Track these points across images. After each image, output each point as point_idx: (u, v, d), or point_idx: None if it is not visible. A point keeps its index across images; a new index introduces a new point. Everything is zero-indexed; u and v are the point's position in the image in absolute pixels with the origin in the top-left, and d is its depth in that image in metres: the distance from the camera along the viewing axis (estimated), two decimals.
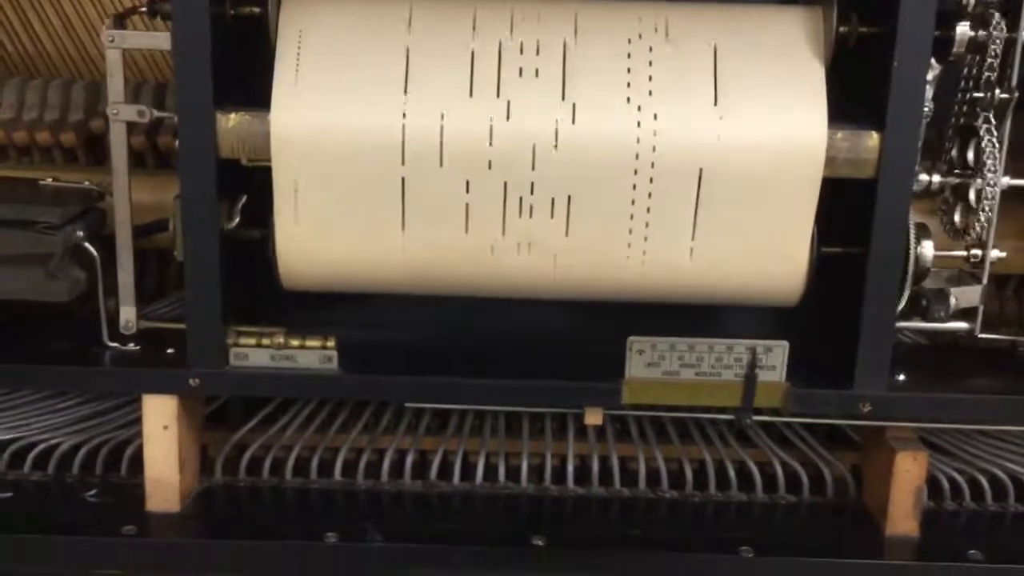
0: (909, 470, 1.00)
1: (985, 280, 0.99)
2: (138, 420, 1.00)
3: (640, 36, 0.93)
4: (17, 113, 1.13)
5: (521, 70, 0.92)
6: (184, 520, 1.00)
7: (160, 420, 0.98)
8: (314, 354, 0.97)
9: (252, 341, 0.97)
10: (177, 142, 0.91)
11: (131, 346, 1.00)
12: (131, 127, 0.97)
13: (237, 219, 0.95)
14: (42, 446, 1.06)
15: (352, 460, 1.07)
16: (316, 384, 0.98)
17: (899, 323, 0.98)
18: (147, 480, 1.00)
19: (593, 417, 1.02)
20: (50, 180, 1.02)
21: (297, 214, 0.93)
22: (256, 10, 0.92)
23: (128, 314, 0.98)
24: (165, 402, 0.97)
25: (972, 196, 0.96)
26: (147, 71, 1.17)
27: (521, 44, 0.92)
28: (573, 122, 0.91)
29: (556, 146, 0.91)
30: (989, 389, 1.02)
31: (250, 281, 0.99)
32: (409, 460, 1.07)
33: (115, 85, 0.92)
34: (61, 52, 1.19)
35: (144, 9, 0.95)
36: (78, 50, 1.19)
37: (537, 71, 0.91)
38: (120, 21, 0.95)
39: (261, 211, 0.95)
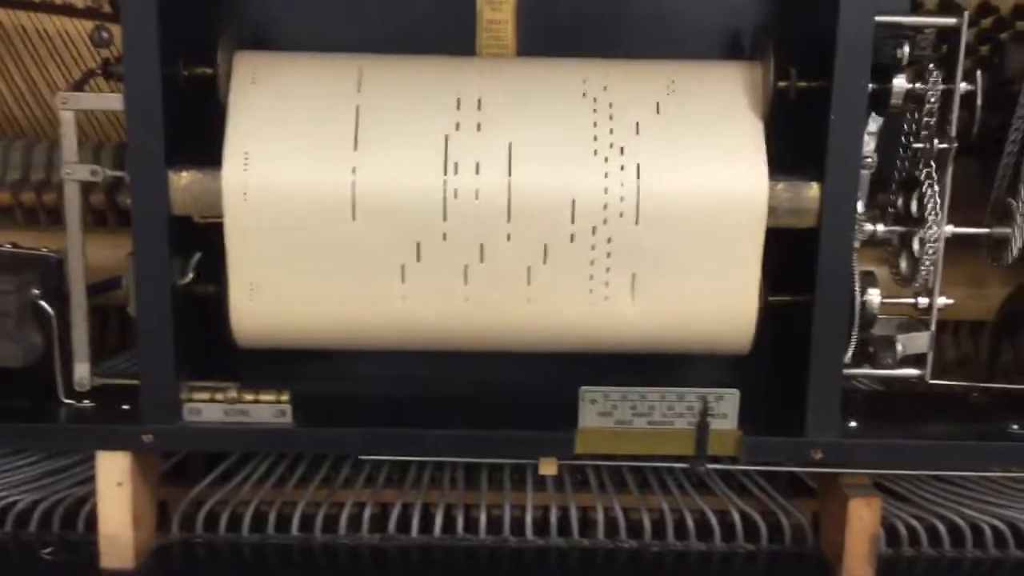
0: (863, 517, 1.00)
1: (933, 327, 1.00)
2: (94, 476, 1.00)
3: (584, 94, 0.95)
4: None
5: (471, 127, 0.93)
6: None
7: (114, 477, 0.98)
8: (268, 408, 0.98)
9: (205, 396, 0.97)
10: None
11: (86, 403, 1.00)
12: (91, 186, 0.98)
13: (191, 275, 0.96)
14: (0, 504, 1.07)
15: (310, 514, 1.07)
16: (270, 439, 0.99)
17: (848, 370, 0.98)
18: (101, 537, 0.99)
19: (547, 467, 1.02)
20: (8, 246, 1.03)
21: (249, 273, 0.94)
22: (208, 71, 0.95)
23: (82, 371, 0.99)
24: (118, 459, 0.98)
25: (917, 245, 0.98)
26: (111, 131, 1.19)
27: (473, 101, 0.94)
28: (521, 179, 0.92)
29: (506, 203, 0.92)
30: (942, 435, 1.02)
31: (204, 335, 1.00)
32: (367, 513, 1.07)
33: (69, 146, 0.94)
34: (27, 115, 1.22)
35: (100, 72, 0.97)
36: (43, 112, 1.21)
37: (480, 127, 0.93)
38: (80, 86, 0.97)
39: (216, 266, 0.96)
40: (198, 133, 0.96)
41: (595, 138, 0.93)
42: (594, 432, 0.98)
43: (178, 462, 1.10)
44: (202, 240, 0.97)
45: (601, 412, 0.98)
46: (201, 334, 1.00)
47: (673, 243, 0.94)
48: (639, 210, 0.93)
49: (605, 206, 0.92)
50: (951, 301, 1.00)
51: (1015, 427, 1.01)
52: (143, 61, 0.90)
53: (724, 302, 0.96)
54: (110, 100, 0.93)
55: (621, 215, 0.93)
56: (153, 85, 0.90)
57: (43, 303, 0.98)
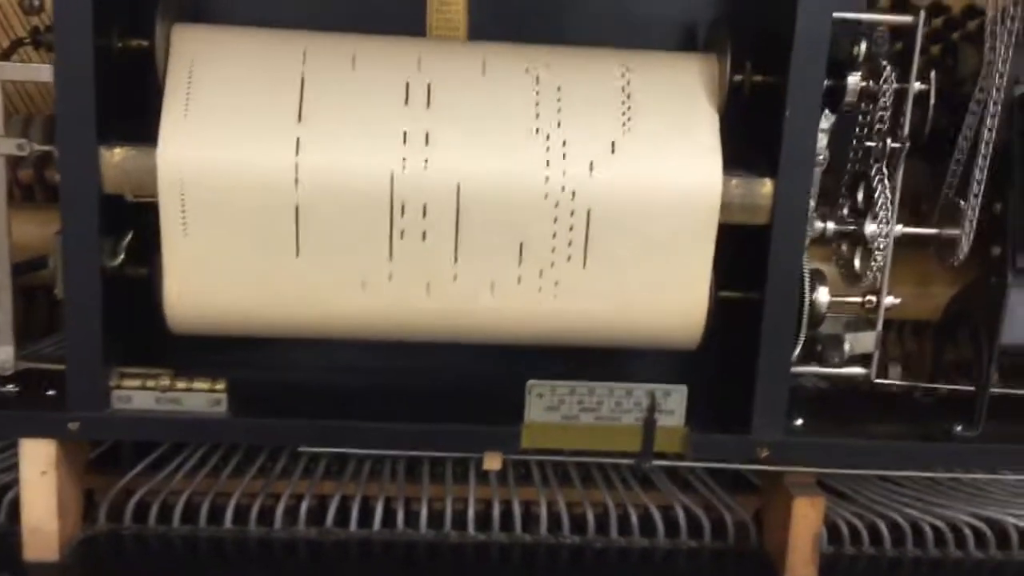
0: (807, 515, 0.99)
1: (880, 326, 0.99)
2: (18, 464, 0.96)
3: (534, 80, 0.92)
4: None
5: (420, 113, 0.91)
6: (63, 571, 0.96)
7: (38, 465, 0.94)
8: (202, 397, 0.94)
9: (136, 383, 0.93)
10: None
11: (9, 388, 0.96)
12: (19, 160, 0.94)
13: (121, 256, 0.92)
14: None
15: (245, 506, 1.04)
16: (204, 428, 0.95)
17: (796, 368, 0.98)
18: (24, 528, 0.95)
19: (492, 462, 1.00)
20: None
21: (183, 254, 0.90)
22: (144, 43, 0.90)
23: (5, 354, 0.94)
24: (43, 446, 0.94)
25: (866, 243, 0.97)
26: (41, 103, 1.13)
27: (424, 83, 0.91)
28: (471, 160, 0.90)
29: (456, 186, 0.90)
30: (887, 434, 1.03)
31: (136, 319, 0.96)
32: (304, 506, 1.04)
33: None
34: None
35: (29, 41, 0.92)
36: None
37: (428, 112, 0.90)
38: (8, 55, 0.92)
39: (149, 247, 0.92)
40: (133, 109, 0.92)
41: (543, 127, 0.91)
42: (540, 427, 0.96)
43: (106, 449, 1.06)
44: (134, 220, 0.93)
45: (548, 407, 0.96)
46: (132, 318, 0.96)
47: (624, 236, 0.92)
48: (590, 202, 0.91)
49: (556, 199, 0.90)
50: (898, 300, 1.00)
51: (959, 428, 1.01)
52: (74, 31, 0.85)
53: (674, 297, 0.95)
54: (39, 71, 0.88)
55: (571, 207, 0.91)
56: (85, 56, 0.86)
57: None
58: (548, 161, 0.90)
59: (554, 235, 0.91)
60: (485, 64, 0.93)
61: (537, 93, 0.92)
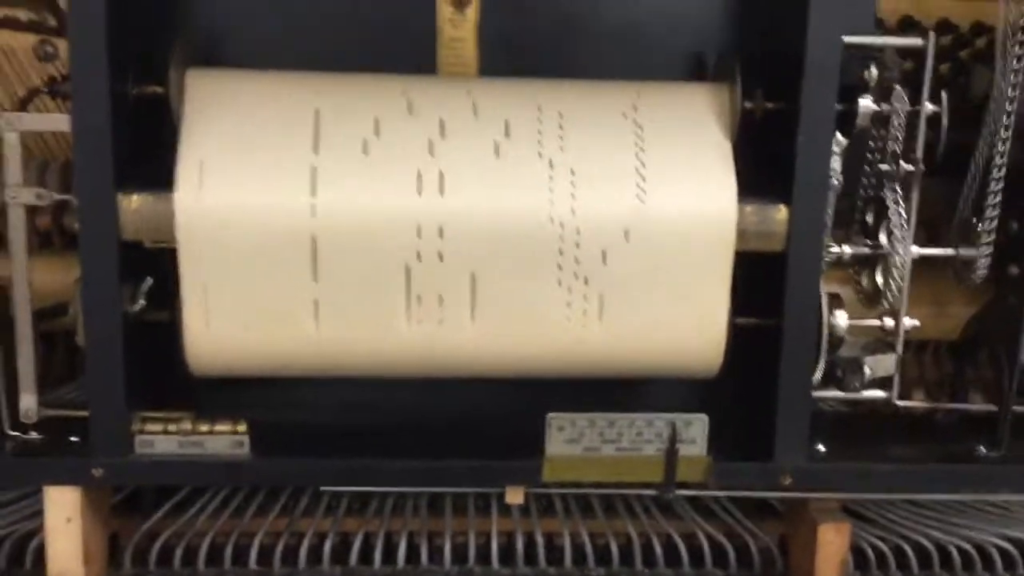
0: (832, 541, 0.99)
1: (900, 349, 0.99)
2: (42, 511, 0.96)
3: (548, 115, 0.93)
4: None
5: (434, 151, 0.91)
6: None
7: (63, 512, 0.94)
8: (224, 439, 0.94)
9: (158, 428, 0.94)
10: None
11: (33, 435, 0.96)
12: (36, 207, 0.94)
13: (142, 302, 0.92)
14: None
15: (269, 545, 1.03)
16: (226, 471, 0.95)
17: (816, 393, 0.97)
18: (50, 575, 0.95)
19: (514, 496, 1.00)
20: None
21: (205, 298, 0.90)
22: (159, 89, 0.91)
23: (29, 402, 0.94)
24: (68, 493, 0.94)
25: (883, 266, 0.97)
26: (56, 149, 1.14)
27: (435, 124, 0.92)
28: (487, 202, 0.90)
29: (472, 223, 0.90)
30: (909, 457, 1.02)
31: (156, 362, 0.96)
32: (328, 544, 1.04)
33: (12, 168, 0.90)
34: None
35: (46, 91, 0.93)
36: None
37: (442, 151, 0.91)
38: (24, 104, 0.93)
39: (168, 291, 0.93)
40: (147, 153, 0.93)
41: (555, 163, 0.91)
42: (562, 459, 0.96)
43: (129, 493, 1.07)
44: (153, 264, 0.94)
45: (569, 439, 0.96)
46: (152, 361, 0.96)
47: (642, 266, 0.92)
48: (605, 235, 0.91)
49: (571, 234, 0.91)
50: (917, 323, 0.99)
51: (982, 449, 1.00)
52: (91, 80, 0.86)
53: (692, 325, 0.95)
54: (57, 121, 0.89)
55: (589, 238, 0.91)
56: (101, 105, 0.87)
57: None
58: (561, 196, 0.91)
59: (572, 269, 0.91)
60: (494, 101, 0.93)
61: (546, 129, 0.92)
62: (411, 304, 0.91)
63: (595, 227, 0.91)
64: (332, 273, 0.90)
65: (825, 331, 0.96)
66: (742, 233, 0.92)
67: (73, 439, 0.96)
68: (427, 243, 0.90)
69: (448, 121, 0.92)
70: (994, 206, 0.98)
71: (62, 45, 0.95)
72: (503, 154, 0.91)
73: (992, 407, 1.02)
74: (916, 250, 0.97)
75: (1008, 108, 0.97)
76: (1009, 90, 0.96)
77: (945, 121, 0.97)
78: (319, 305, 0.91)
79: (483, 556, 1.05)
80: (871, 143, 0.97)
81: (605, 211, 0.91)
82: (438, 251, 0.90)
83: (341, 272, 0.90)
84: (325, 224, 0.89)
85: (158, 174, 0.90)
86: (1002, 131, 0.97)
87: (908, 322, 0.99)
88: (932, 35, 0.94)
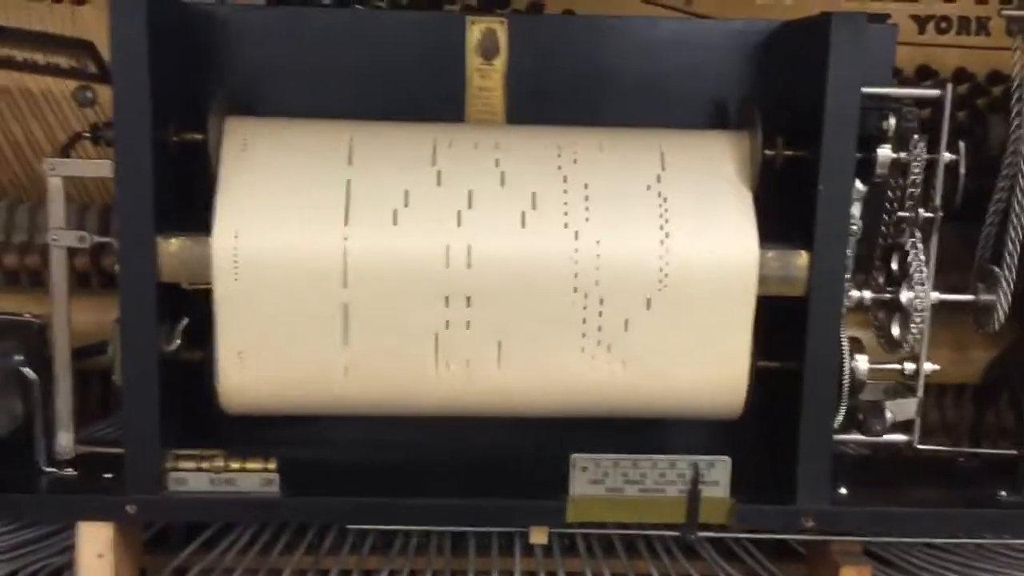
0: None
1: (920, 393, 1.00)
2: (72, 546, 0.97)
3: (575, 162, 0.95)
4: None
5: (466, 194, 0.94)
6: None
7: (95, 548, 0.96)
8: (255, 477, 0.96)
9: (191, 465, 0.95)
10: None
11: (68, 471, 0.98)
12: (76, 249, 0.97)
13: (178, 342, 0.95)
14: None
15: None
16: (257, 508, 0.97)
17: (838, 436, 0.99)
18: None
19: (539, 536, 1.01)
20: None
21: (238, 339, 0.93)
22: (199, 136, 0.94)
23: (65, 439, 0.97)
24: (100, 529, 0.95)
25: (903, 311, 0.98)
26: (95, 192, 1.18)
27: (465, 196, 0.94)
28: (514, 247, 0.93)
29: (498, 269, 0.93)
30: (931, 501, 1.03)
31: (189, 399, 0.98)
32: None
33: (55, 212, 0.93)
34: (10, 174, 1.20)
35: (88, 136, 0.97)
36: (25, 172, 1.20)
37: (474, 196, 0.94)
38: (66, 150, 0.96)
39: (202, 331, 0.95)
40: (185, 196, 0.96)
41: (578, 212, 0.94)
42: (586, 500, 0.97)
43: (159, 529, 1.08)
44: (188, 304, 0.96)
45: (592, 480, 0.97)
46: (185, 399, 0.98)
47: (665, 312, 0.94)
48: (630, 282, 0.93)
49: (597, 281, 0.93)
50: (937, 367, 1.01)
51: (1003, 494, 1.01)
52: (134, 127, 0.89)
53: (716, 369, 0.96)
54: (99, 167, 0.92)
55: (613, 288, 0.93)
56: (144, 151, 0.89)
57: (26, 370, 0.96)
58: (586, 268, 0.93)
59: (598, 315, 0.93)
60: (522, 168, 0.95)
61: (580, 178, 0.95)
62: (439, 367, 0.94)
63: (621, 271, 0.93)
64: (362, 339, 0.92)
65: (846, 375, 0.97)
66: (764, 279, 0.94)
67: (107, 475, 0.98)
68: (455, 312, 0.92)
69: (476, 191, 0.94)
70: (1012, 252, 0.99)
71: (101, 90, 0.98)
72: (529, 225, 0.93)
73: (1013, 452, 1.03)
74: (936, 295, 0.99)
75: None
76: None
77: (963, 169, 0.98)
78: (348, 368, 0.94)
79: None
80: (890, 191, 0.99)
81: (630, 258, 0.93)
82: (466, 320, 0.93)
83: (371, 338, 0.93)
84: (356, 293, 0.92)
85: (194, 216, 0.92)
86: (1020, 178, 0.99)
87: (928, 366, 1.00)
88: (949, 87, 0.96)
